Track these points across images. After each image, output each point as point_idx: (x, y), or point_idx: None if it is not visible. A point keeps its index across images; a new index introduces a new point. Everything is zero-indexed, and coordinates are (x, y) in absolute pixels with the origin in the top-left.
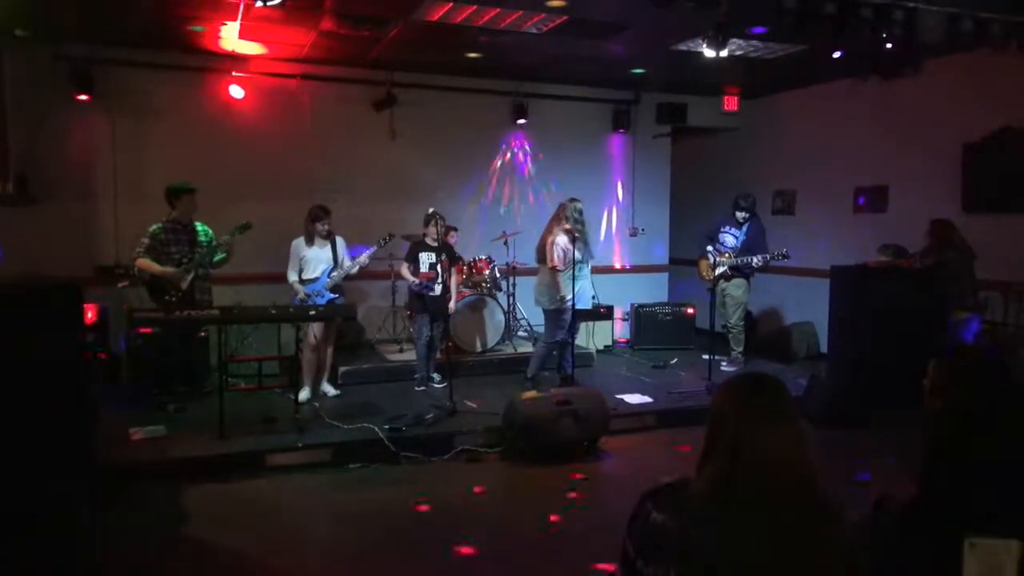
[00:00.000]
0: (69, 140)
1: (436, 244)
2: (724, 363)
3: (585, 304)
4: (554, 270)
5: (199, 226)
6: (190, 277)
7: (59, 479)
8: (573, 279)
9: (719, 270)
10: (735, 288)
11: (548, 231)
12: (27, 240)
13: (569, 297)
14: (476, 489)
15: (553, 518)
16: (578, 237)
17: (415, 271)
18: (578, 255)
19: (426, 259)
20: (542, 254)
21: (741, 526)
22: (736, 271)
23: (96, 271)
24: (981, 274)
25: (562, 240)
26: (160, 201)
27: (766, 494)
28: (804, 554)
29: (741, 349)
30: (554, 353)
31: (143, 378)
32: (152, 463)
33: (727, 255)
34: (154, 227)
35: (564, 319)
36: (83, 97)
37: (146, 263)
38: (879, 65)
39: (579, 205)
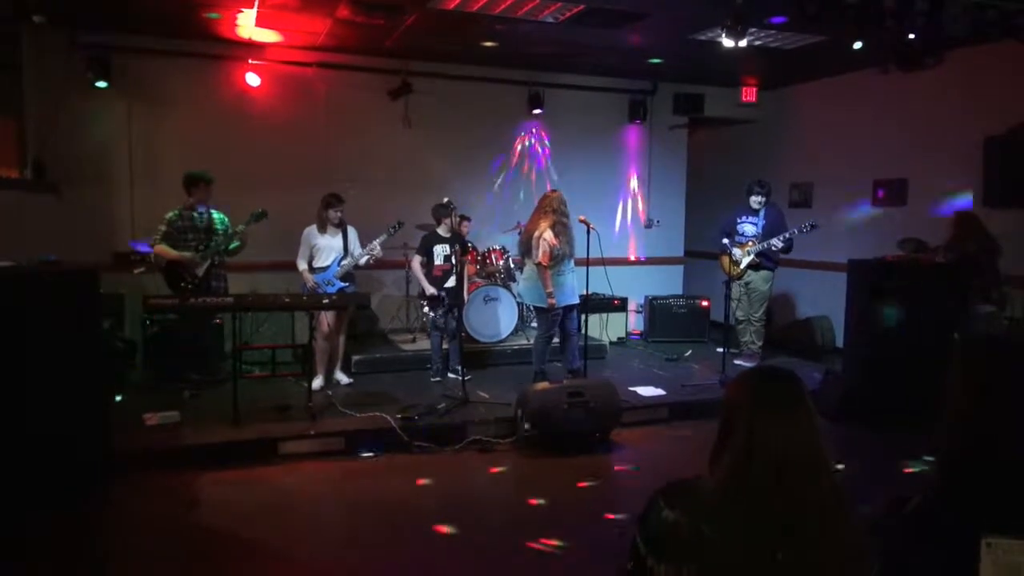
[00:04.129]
0: (86, 127)
1: (449, 235)
2: (740, 359)
3: (571, 299)
4: (541, 266)
5: (215, 213)
6: (206, 264)
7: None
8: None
9: (746, 260)
10: (762, 282)
11: (534, 224)
12: (44, 226)
13: (556, 294)
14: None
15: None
16: (563, 231)
17: (428, 264)
18: (566, 249)
19: (440, 251)
20: (527, 247)
21: (755, 522)
22: (763, 257)
23: (113, 257)
24: (1002, 269)
25: (549, 235)
26: (176, 188)
27: (780, 489)
28: (819, 550)
29: (761, 344)
30: (554, 343)
31: (158, 364)
32: (166, 449)
33: (750, 243)
34: (171, 214)
35: (555, 315)
36: (100, 84)
37: (163, 249)
38: (900, 56)
39: (561, 195)
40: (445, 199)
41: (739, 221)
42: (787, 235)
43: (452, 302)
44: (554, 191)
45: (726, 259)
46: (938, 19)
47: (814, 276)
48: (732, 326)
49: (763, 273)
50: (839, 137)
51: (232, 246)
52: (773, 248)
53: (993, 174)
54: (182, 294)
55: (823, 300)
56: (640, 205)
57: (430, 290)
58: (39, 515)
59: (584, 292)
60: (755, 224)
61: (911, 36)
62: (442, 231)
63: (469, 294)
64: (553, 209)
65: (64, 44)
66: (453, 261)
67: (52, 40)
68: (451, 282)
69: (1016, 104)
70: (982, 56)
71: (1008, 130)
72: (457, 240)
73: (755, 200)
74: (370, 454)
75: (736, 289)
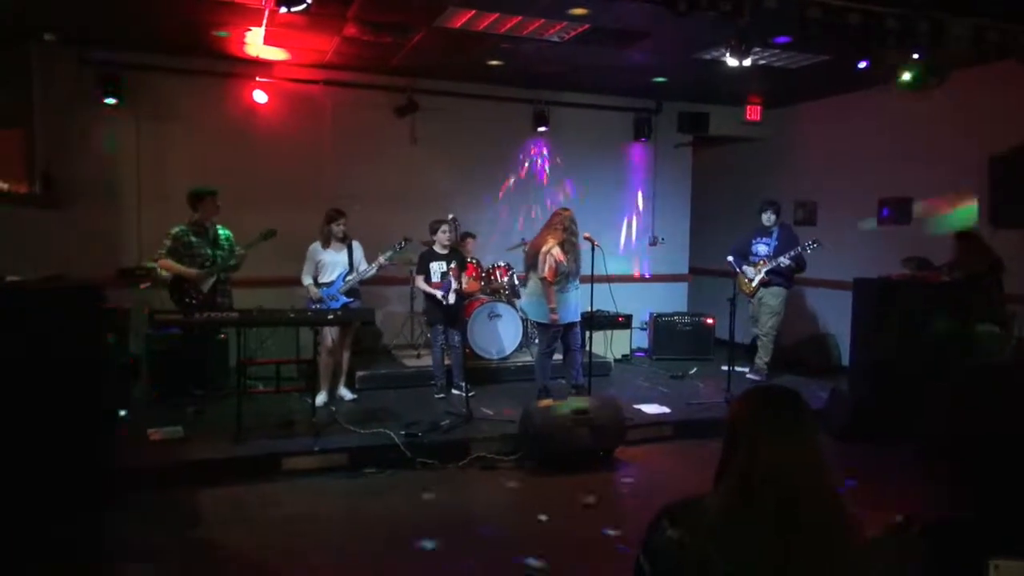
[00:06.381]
0: (94, 143)
1: (446, 251)
2: (748, 372)
3: (573, 316)
4: (545, 281)
5: (220, 229)
6: (212, 279)
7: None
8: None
9: (757, 278)
10: (772, 297)
11: (541, 239)
12: (51, 240)
13: (559, 311)
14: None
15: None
16: (571, 248)
17: (427, 282)
18: (572, 267)
19: (437, 269)
20: (532, 261)
21: (758, 542)
22: (774, 275)
23: (118, 272)
24: (1007, 288)
25: (557, 251)
26: (182, 204)
27: (784, 510)
28: (823, 570)
29: (768, 359)
30: (556, 359)
31: (162, 379)
32: (169, 464)
33: (762, 262)
34: (176, 229)
35: (555, 331)
36: (110, 100)
37: (169, 263)
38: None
39: (572, 214)
40: (450, 215)
41: (754, 242)
42: (793, 252)
43: (452, 319)
44: (565, 209)
45: (740, 279)
46: (940, 39)
47: (819, 295)
48: (739, 344)
49: (774, 289)
50: (844, 155)
51: (231, 263)
52: (782, 266)
53: (999, 193)
54: (188, 309)
55: (828, 319)
56: (645, 222)
57: (438, 292)
58: (42, 531)
59: (588, 309)
60: (768, 244)
61: (915, 56)
62: (438, 248)
63: (472, 311)
64: (564, 227)
65: (74, 61)
66: (451, 278)
67: (62, 57)
68: (451, 299)
69: (1019, 123)
70: (986, 76)
71: (1011, 149)
72: (455, 256)
73: (766, 217)
74: (373, 471)
75: (750, 307)
